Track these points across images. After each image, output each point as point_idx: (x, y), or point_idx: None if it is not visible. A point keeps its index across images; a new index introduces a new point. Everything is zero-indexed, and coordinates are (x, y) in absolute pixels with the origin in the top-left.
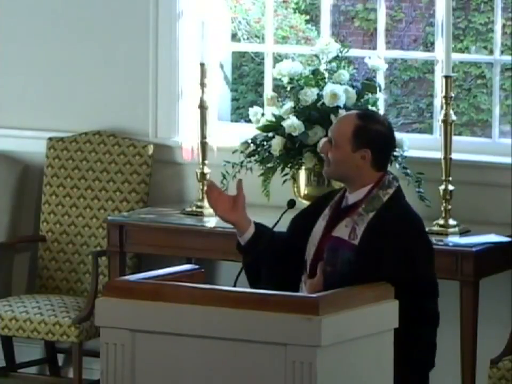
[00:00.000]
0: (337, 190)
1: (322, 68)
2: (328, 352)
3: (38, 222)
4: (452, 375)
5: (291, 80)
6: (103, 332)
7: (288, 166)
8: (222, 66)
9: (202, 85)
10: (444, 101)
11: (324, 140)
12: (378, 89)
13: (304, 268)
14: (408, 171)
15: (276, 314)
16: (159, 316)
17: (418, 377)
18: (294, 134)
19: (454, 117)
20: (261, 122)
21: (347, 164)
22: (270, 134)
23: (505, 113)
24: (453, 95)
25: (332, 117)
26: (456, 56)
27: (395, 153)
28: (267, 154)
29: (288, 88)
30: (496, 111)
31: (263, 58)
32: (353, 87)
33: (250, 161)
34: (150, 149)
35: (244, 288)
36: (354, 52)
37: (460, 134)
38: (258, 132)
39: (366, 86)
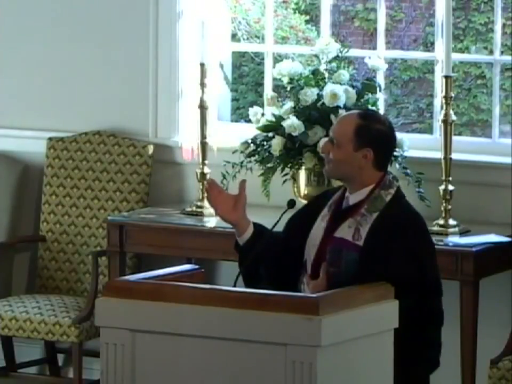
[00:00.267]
0: (332, 189)
1: (322, 68)
2: (328, 352)
3: (38, 222)
4: (452, 375)
5: (291, 80)
6: (103, 332)
7: (288, 166)
8: (222, 66)
9: (202, 85)
10: (443, 101)
11: (324, 140)
12: (378, 89)
13: (304, 268)
14: (408, 171)
15: (275, 314)
16: (159, 316)
17: (422, 377)
18: (294, 134)
19: (454, 117)
20: (261, 122)
21: (349, 164)
22: (270, 134)
23: (505, 113)
24: (453, 95)
25: (332, 117)
26: (456, 56)
27: (395, 153)
28: (267, 154)
29: (288, 88)
30: (496, 111)
31: (263, 58)
32: (353, 87)
33: (250, 161)
34: (150, 149)
35: (243, 288)
36: (354, 52)
37: (459, 134)
38: (258, 131)
39: (366, 86)
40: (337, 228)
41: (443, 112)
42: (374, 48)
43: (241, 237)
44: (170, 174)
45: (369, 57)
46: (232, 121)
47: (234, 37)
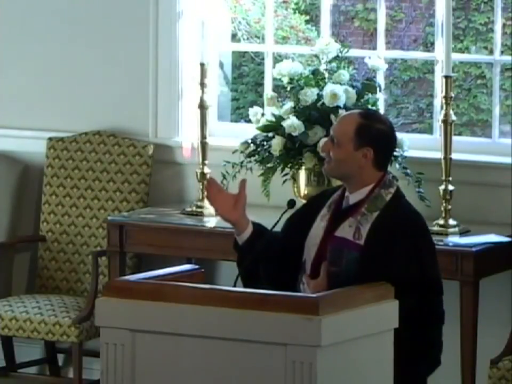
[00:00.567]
0: (331, 189)
1: (322, 68)
2: (328, 352)
3: (38, 222)
4: (452, 375)
5: (291, 80)
6: (103, 332)
7: (288, 166)
8: (222, 66)
9: (202, 85)
10: (444, 101)
11: (324, 139)
12: (378, 89)
13: (303, 268)
14: (408, 171)
15: (276, 314)
16: (159, 316)
17: (424, 377)
18: (294, 134)
19: (454, 117)
20: (261, 122)
21: (349, 163)
22: (270, 134)
23: (505, 113)
24: (453, 95)
25: (332, 117)
26: (456, 56)
27: (395, 153)
28: (267, 154)
29: (288, 88)
30: (496, 111)
31: (263, 58)
32: (353, 87)
33: (250, 161)
34: (150, 149)
35: (243, 288)
36: (354, 52)
37: (459, 134)
38: (258, 131)
39: (366, 86)
40: (338, 227)
41: (443, 112)
42: (374, 48)
43: (240, 236)
44: (170, 174)
45: (369, 57)
46: (232, 121)
47: (234, 37)
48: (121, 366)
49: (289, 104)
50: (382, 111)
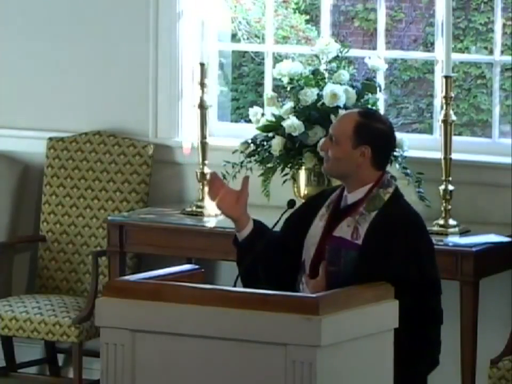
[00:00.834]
0: (330, 189)
1: (322, 68)
2: (328, 352)
3: (38, 222)
4: (452, 375)
5: (291, 80)
6: (103, 332)
7: (288, 166)
8: (222, 66)
9: (202, 85)
10: (444, 101)
11: (324, 139)
12: (378, 89)
13: (302, 268)
14: (408, 171)
15: (276, 314)
16: (159, 316)
17: (422, 376)
18: (294, 134)
19: (454, 117)
20: (261, 122)
21: (347, 161)
22: (270, 134)
23: (505, 113)
24: (453, 95)
25: (332, 117)
26: (456, 56)
27: (395, 153)
28: (267, 154)
29: (288, 88)
30: (496, 111)
31: (263, 58)
32: (353, 87)
33: (250, 161)
34: (150, 149)
35: (243, 288)
36: (354, 52)
37: (459, 134)
38: (258, 132)
39: (366, 86)
40: (336, 227)
41: (443, 112)
42: (374, 48)
43: (240, 233)
44: (170, 174)
45: (369, 57)
46: (232, 121)
47: (234, 37)
48: (121, 366)
49: (289, 104)
50: (382, 111)
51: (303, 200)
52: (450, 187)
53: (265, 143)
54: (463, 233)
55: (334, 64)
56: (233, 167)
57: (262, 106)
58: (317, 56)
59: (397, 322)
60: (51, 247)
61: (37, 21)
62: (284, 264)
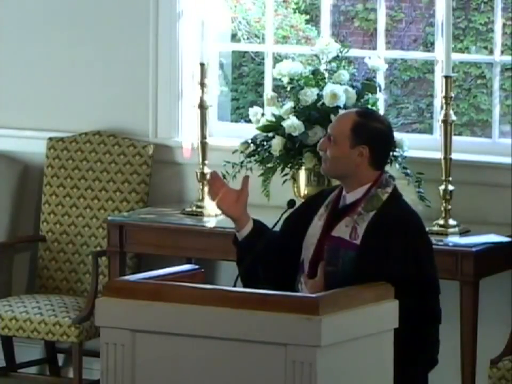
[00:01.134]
0: (328, 189)
1: (322, 68)
2: (328, 352)
3: (38, 222)
4: (452, 375)
5: (291, 80)
6: (103, 332)
7: (288, 166)
8: (222, 66)
9: (202, 85)
10: (444, 101)
11: (323, 139)
12: (378, 89)
13: (301, 268)
14: (408, 171)
15: (276, 314)
16: (159, 315)
17: (421, 376)
18: (294, 134)
19: (454, 117)
20: (261, 122)
21: (345, 161)
22: (270, 134)
23: (505, 113)
24: (453, 95)
25: (332, 117)
26: (456, 56)
27: (395, 153)
28: (267, 154)
29: (288, 88)
30: (496, 111)
31: (263, 58)
32: (353, 87)
33: (250, 161)
34: (150, 149)
35: (243, 288)
36: (354, 52)
37: (459, 134)
38: (258, 131)
39: (366, 86)
40: (335, 226)
41: (443, 112)
42: (374, 48)
43: (240, 232)
44: (170, 174)
45: (369, 57)
46: (232, 121)
47: (234, 37)
48: (121, 366)
49: (289, 104)
50: (382, 111)
51: (303, 200)
52: (450, 187)
53: (265, 143)
54: (463, 233)
55: (334, 64)
56: (233, 167)
57: (262, 106)
58: (317, 56)
59: (397, 322)
60: (51, 247)
61: (37, 21)
62: (283, 264)
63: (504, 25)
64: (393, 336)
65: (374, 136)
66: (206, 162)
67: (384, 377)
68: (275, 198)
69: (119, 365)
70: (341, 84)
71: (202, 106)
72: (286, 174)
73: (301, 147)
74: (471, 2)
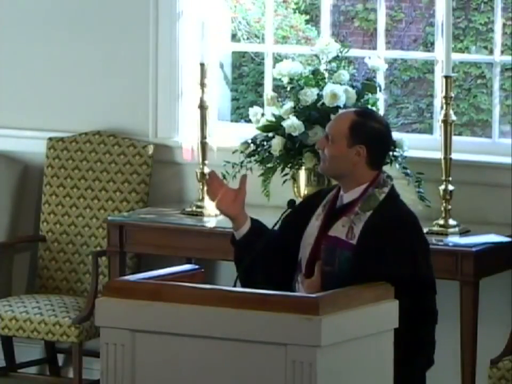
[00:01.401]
0: (327, 188)
1: (322, 67)
2: (328, 352)
3: (38, 222)
4: (452, 375)
5: (291, 80)
6: (103, 332)
7: (288, 166)
8: (222, 66)
9: (202, 85)
10: (443, 101)
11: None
12: (378, 89)
13: (298, 267)
14: (408, 171)
15: (275, 314)
16: (159, 315)
17: (418, 376)
18: (294, 134)
19: (454, 117)
20: (261, 122)
21: (342, 160)
22: (270, 134)
23: (505, 113)
24: (453, 95)
25: (332, 117)
26: (456, 56)
27: (395, 153)
28: (267, 154)
29: (288, 88)
30: (496, 111)
31: (263, 58)
32: (353, 87)
33: (250, 161)
34: (150, 149)
35: (243, 288)
36: (354, 52)
37: (459, 134)
38: (258, 131)
39: (366, 86)
40: (332, 226)
41: (443, 112)
42: (374, 48)
43: (238, 231)
44: (170, 174)
45: (369, 57)
46: (232, 121)
47: (234, 37)
48: (121, 366)
49: (289, 104)
50: (382, 111)
51: (302, 199)
52: (450, 187)
53: (265, 143)
54: (463, 233)
55: (334, 64)
56: (233, 167)
57: (262, 106)
58: (317, 56)
59: (397, 322)
60: (51, 247)
61: (37, 21)
62: (281, 263)
63: (504, 25)
64: (393, 336)
65: (372, 135)
66: (206, 162)
67: (384, 377)
68: (275, 198)
69: (119, 365)
70: (341, 84)
71: (202, 106)
72: (286, 174)
73: (301, 147)
74: (471, 2)
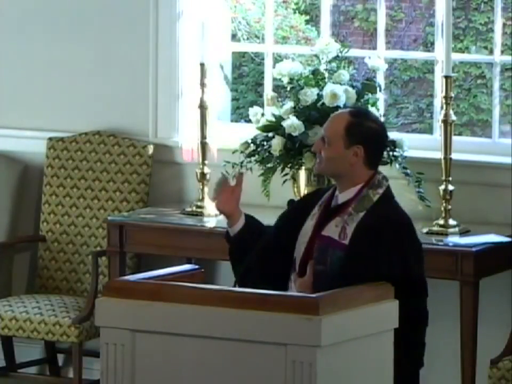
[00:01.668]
0: (324, 188)
1: (322, 67)
2: (328, 352)
3: (38, 222)
4: (452, 375)
5: (291, 80)
6: (103, 332)
7: (288, 166)
8: (222, 66)
9: (202, 85)
10: (443, 101)
11: (317, 140)
12: (378, 89)
13: (293, 266)
14: (408, 171)
15: (275, 314)
16: (159, 315)
17: (409, 377)
18: (294, 134)
19: (454, 117)
20: (261, 122)
21: (340, 161)
22: (270, 134)
23: (505, 113)
24: (453, 95)
25: None
26: (456, 56)
27: (395, 153)
28: (267, 154)
29: (288, 88)
30: (496, 111)
31: (263, 58)
32: (353, 87)
33: (250, 161)
34: (150, 149)
35: (243, 288)
36: (354, 52)
37: (460, 134)
38: (258, 131)
39: (366, 86)
40: (325, 226)
41: (443, 112)
42: (374, 48)
43: (232, 227)
44: (170, 174)
45: (369, 57)
46: (232, 121)
47: (234, 37)
48: (121, 366)
49: (289, 104)
50: (382, 111)
51: (299, 198)
52: (450, 187)
53: (265, 143)
54: (463, 233)
55: (334, 64)
56: (233, 167)
57: (262, 106)
58: (317, 56)
59: (397, 322)
60: (51, 247)
61: (37, 21)
62: (277, 261)
63: (504, 25)
64: (393, 336)
65: (368, 135)
66: (206, 162)
67: (384, 377)
68: (275, 198)
69: (119, 365)
70: (341, 84)
71: (202, 106)
72: (286, 174)
73: (301, 147)
74: (471, 2)
